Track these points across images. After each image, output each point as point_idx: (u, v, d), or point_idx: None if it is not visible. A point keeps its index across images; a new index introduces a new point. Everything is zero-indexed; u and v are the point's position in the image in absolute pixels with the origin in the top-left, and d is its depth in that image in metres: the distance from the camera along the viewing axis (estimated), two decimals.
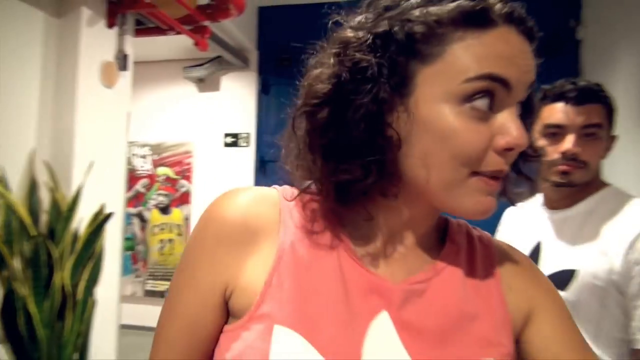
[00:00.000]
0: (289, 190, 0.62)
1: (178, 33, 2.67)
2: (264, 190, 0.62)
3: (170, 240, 4.52)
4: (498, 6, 0.50)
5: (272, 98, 4.36)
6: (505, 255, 0.64)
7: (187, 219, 4.51)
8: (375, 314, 0.54)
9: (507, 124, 0.51)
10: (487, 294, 0.59)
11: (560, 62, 3.87)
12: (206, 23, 2.75)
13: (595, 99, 1.21)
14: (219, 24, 3.06)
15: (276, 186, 0.64)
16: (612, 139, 1.28)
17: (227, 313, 0.58)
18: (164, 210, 4.56)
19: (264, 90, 4.40)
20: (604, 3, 3.45)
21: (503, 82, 0.50)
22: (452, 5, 0.49)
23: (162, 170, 4.60)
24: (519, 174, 0.59)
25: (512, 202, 0.61)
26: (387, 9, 0.52)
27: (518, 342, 0.60)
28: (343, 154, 0.53)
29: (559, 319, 0.60)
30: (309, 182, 0.60)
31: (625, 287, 1.09)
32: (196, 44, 2.77)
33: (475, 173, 0.52)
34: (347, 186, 0.54)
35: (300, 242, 0.57)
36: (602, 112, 1.22)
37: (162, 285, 4.51)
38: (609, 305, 1.11)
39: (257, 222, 0.58)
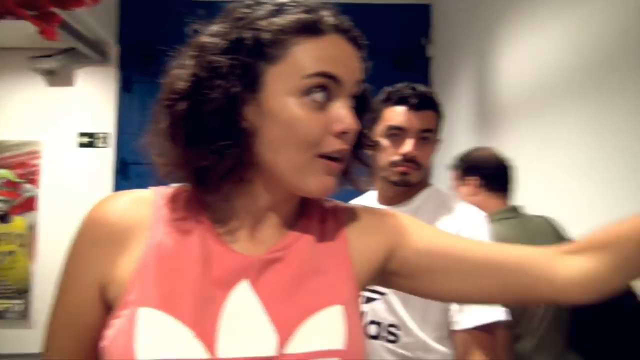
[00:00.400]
0: (164, 190, 0.69)
1: (19, 18, 2.35)
2: (140, 192, 0.69)
3: (10, 253, 3.96)
4: (328, 19, 0.63)
5: (135, 96, 4.09)
6: (354, 217, 0.74)
7: (31, 228, 3.99)
8: (235, 283, 0.62)
9: (340, 112, 0.62)
10: (334, 254, 0.69)
11: (411, 76, 4.25)
12: (56, 10, 2.47)
13: (431, 105, 1.33)
14: (74, 12, 2.77)
15: (153, 187, 0.70)
16: (437, 142, 1.42)
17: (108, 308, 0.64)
18: (3, 218, 3.98)
19: (126, 87, 4.11)
20: (451, 24, 3.90)
21: (334, 78, 0.61)
22: (292, 17, 0.61)
23: (1, 173, 4.01)
24: (357, 160, 0.71)
25: (357, 188, 0.73)
26: (239, 19, 0.62)
27: (395, 275, 0.72)
28: (200, 143, 0.60)
29: (418, 228, 0.74)
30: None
31: None
32: (42, 32, 2.47)
33: (318, 156, 0.62)
34: (205, 172, 0.61)
35: (167, 234, 0.64)
36: (435, 118, 1.34)
37: (2, 305, 3.92)
38: None
39: (129, 222, 0.64)
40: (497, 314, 1.19)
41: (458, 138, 3.66)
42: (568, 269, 0.67)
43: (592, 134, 2.14)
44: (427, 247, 0.71)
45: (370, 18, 4.12)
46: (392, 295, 1.25)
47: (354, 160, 0.70)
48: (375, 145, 0.75)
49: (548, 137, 2.48)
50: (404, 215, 0.77)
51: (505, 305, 1.21)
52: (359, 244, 0.71)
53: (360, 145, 0.69)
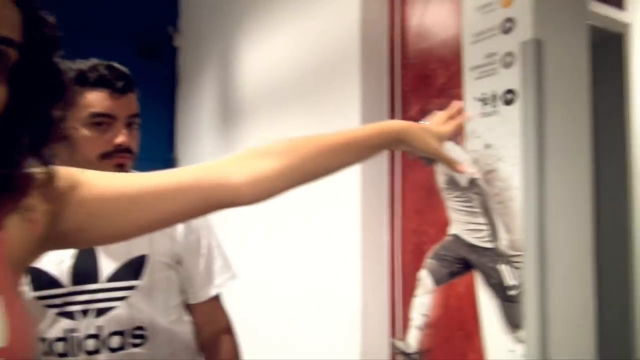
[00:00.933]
0: None
1: None
2: None
3: None
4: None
5: None
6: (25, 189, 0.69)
7: None
8: None
9: None
10: None
11: (158, 66, 4.04)
12: None
13: (133, 87, 1.26)
14: None
15: None
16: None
17: None
18: None
19: None
20: (198, 15, 3.83)
21: None
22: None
23: None
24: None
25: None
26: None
27: (68, 234, 0.68)
28: None
29: (90, 179, 0.71)
30: None
31: (187, 256, 1.29)
32: None
33: None
34: None
35: None
36: (137, 101, 1.28)
37: None
38: (172, 278, 1.23)
39: None
40: (228, 278, 1.34)
41: (203, 132, 3.61)
42: (240, 172, 0.74)
43: (311, 125, 2.40)
44: (97, 194, 0.69)
45: (115, 1, 3.71)
46: (135, 295, 1.19)
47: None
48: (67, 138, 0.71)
49: (283, 133, 2.66)
50: (73, 172, 0.71)
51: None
52: (16, 221, 0.63)
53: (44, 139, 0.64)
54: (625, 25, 2.36)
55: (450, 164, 1.01)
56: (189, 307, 1.34)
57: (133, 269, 1.19)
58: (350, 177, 2.07)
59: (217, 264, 1.35)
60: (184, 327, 1.32)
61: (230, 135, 3.23)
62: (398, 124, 0.94)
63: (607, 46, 2.43)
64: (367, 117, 2.12)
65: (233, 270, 1.41)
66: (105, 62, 1.19)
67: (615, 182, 2.48)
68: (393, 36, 2.18)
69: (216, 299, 1.37)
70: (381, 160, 2.15)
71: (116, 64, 1.20)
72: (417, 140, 0.91)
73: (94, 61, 1.18)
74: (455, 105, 1.11)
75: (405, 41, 2.11)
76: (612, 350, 2.65)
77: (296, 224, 2.53)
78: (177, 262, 1.29)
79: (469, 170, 1.69)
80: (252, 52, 3.03)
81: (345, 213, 2.17)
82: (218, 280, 1.34)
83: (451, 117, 1.06)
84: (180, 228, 1.29)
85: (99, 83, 1.15)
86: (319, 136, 0.86)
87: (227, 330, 1.40)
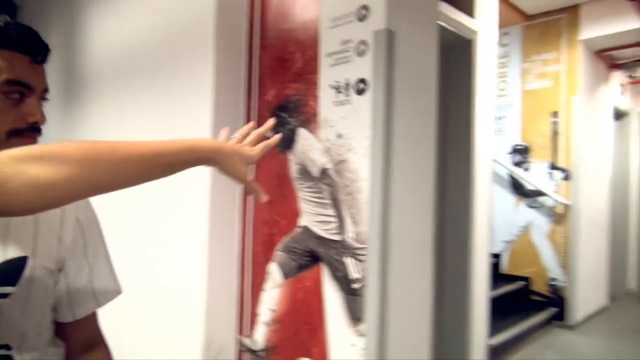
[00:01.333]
0: None
1: None
2: None
3: None
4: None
5: None
6: None
7: None
8: None
9: None
10: None
11: None
12: None
13: (48, 57, 1.01)
14: None
15: None
16: None
17: None
18: None
19: None
20: None
21: None
22: None
23: None
24: None
25: None
26: None
27: None
28: None
29: None
30: None
31: (71, 261, 1.05)
32: None
33: None
34: None
35: None
36: None
37: None
38: (49, 287, 1.01)
39: None
40: (113, 293, 1.14)
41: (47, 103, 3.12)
42: (19, 177, 0.65)
43: (161, 103, 2.18)
44: None
45: None
46: (6, 305, 0.91)
47: None
48: None
49: (131, 110, 2.42)
50: None
51: None
52: None
53: None
54: (474, 32, 2.51)
55: (255, 192, 0.95)
56: (61, 326, 1.06)
57: (8, 272, 0.89)
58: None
59: (103, 274, 1.13)
60: (58, 350, 1.04)
61: (74, 107, 2.82)
62: (210, 143, 0.89)
63: (458, 49, 2.58)
64: (220, 98, 1.95)
65: (118, 282, 1.16)
66: (16, 21, 0.91)
67: (458, 179, 2.65)
68: (253, 14, 2.03)
69: (94, 315, 1.14)
70: None
71: (26, 25, 0.93)
72: (227, 163, 0.88)
73: (5, 17, 0.88)
74: (267, 125, 1.01)
75: (265, 20, 1.99)
76: (449, 345, 2.87)
77: (144, 213, 2.27)
78: (59, 269, 1.00)
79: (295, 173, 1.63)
80: (101, 20, 2.67)
81: (194, 203, 1.99)
82: (102, 295, 1.12)
83: (260, 136, 0.98)
84: (70, 224, 1.00)
85: (19, 45, 0.91)
86: (123, 145, 0.76)
87: (103, 350, 1.16)
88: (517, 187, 4.24)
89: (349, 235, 1.64)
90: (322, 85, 1.73)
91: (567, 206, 3.92)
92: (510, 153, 4.31)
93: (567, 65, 3.99)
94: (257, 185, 0.95)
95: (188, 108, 2.05)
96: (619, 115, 5.02)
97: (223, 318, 2.02)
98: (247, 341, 2.01)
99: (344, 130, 1.65)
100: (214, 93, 1.93)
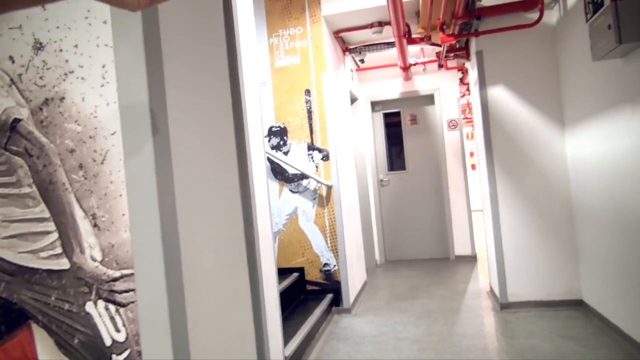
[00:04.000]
0: None
1: None
2: None
3: None
4: None
5: None
6: None
7: None
8: None
9: None
10: None
11: None
12: None
13: None
14: None
15: None
16: None
17: None
18: None
19: None
20: None
21: None
22: None
23: None
24: None
25: None
26: None
27: None
28: None
29: None
30: None
31: None
32: None
33: None
34: None
35: None
36: None
37: None
38: None
39: None
40: None
41: None
42: None
43: None
44: None
45: None
46: None
47: None
48: None
49: None
50: None
51: None
52: None
53: None
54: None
55: None
56: None
57: None
58: None
59: None
60: None
61: None
62: None
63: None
64: None
65: None
66: None
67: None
68: None
69: None
70: None
71: None
72: None
73: None
74: None
75: None
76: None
77: None
78: None
79: None
80: None
81: None
82: None
83: None
84: None
85: None
86: None
87: None
88: (279, 172, 3.90)
89: (89, 256, 0.80)
90: None
91: (329, 187, 3.78)
92: (267, 136, 3.93)
93: (313, 41, 3.84)
94: None
95: None
96: (352, 100, 5.30)
97: None
98: None
99: (55, 35, 0.79)
100: None
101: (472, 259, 5.50)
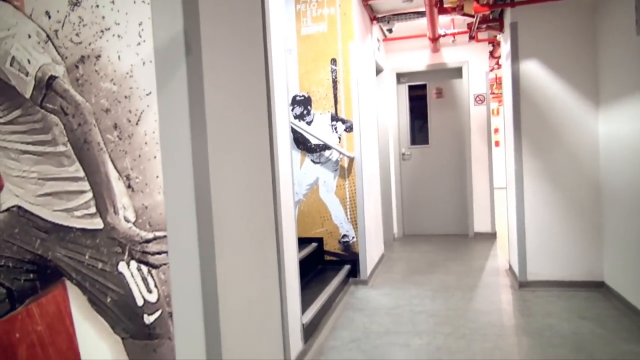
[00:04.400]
0: None
1: None
2: None
3: None
4: None
5: None
6: None
7: None
8: None
9: None
10: None
11: None
12: None
13: None
14: None
15: None
16: None
17: None
18: None
19: None
20: None
21: None
22: None
23: None
24: None
25: None
26: None
27: None
28: None
29: None
30: None
31: None
32: None
33: None
34: None
35: None
36: None
37: None
38: None
39: None
40: None
41: None
42: None
43: None
44: None
45: None
46: None
47: None
48: None
49: None
50: None
51: None
52: None
53: None
54: None
55: None
56: None
57: None
58: None
59: None
60: None
61: None
62: None
63: None
64: None
65: None
66: None
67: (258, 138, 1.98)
68: None
69: None
70: None
71: None
72: None
73: None
74: None
75: None
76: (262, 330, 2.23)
77: None
78: None
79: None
80: None
81: None
82: None
83: None
84: None
85: None
86: None
87: None
88: (301, 142, 3.88)
89: (123, 217, 0.81)
90: None
91: (351, 159, 3.75)
92: (290, 105, 3.89)
93: (342, 8, 3.74)
94: None
95: None
96: (377, 71, 5.20)
97: None
98: None
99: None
100: None
101: (491, 236, 5.46)
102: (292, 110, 3.90)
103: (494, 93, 8.86)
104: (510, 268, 3.86)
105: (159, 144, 0.76)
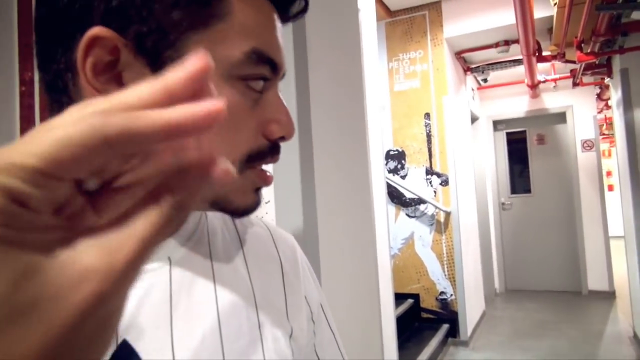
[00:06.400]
0: None
1: None
2: None
3: None
4: None
5: None
6: None
7: None
8: None
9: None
10: None
11: None
12: None
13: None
14: None
15: None
16: None
17: None
18: None
19: None
20: None
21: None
22: None
23: None
24: None
25: None
26: None
27: None
28: None
29: None
30: None
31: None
32: None
33: None
34: None
35: None
36: None
37: None
38: None
39: None
40: None
41: None
42: None
43: None
44: None
45: None
46: None
47: None
48: None
49: None
50: None
51: None
52: None
53: None
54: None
55: None
56: None
57: None
58: None
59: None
60: None
61: None
62: None
63: None
64: None
65: None
66: None
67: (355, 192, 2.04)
68: None
69: None
70: None
71: None
72: None
73: None
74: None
75: None
76: None
77: None
78: None
79: None
80: None
81: None
82: None
83: None
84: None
85: None
86: None
87: None
88: (395, 197, 3.89)
89: None
90: None
91: (447, 213, 3.67)
92: (385, 159, 3.95)
93: (434, 64, 3.78)
94: None
95: None
96: (472, 119, 5.10)
97: None
98: None
99: None
100: None
101: (609, 295, 4.92)
102: (386, 164, 3.94)
103: (604, 134, 8.22)
104: (636, 336, 3.43)
105: (272, 189, 0.84)
